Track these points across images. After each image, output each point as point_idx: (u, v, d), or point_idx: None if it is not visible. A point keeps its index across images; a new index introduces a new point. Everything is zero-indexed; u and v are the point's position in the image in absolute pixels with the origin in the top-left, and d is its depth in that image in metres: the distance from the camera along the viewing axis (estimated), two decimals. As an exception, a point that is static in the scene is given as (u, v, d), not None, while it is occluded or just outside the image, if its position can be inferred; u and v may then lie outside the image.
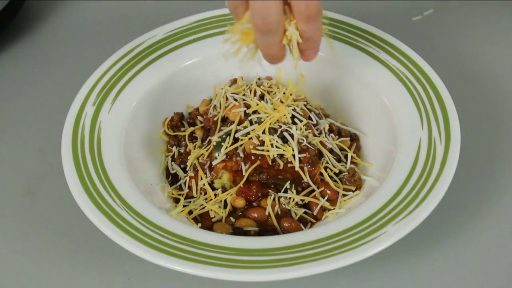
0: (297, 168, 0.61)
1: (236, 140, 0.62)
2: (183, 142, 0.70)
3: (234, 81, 0.70)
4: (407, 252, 0.61)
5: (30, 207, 0.68)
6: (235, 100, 0.65)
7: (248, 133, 0.62)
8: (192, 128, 0.70)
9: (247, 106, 0.64)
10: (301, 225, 0.61)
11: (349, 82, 0.72)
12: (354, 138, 0.70)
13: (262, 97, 0.65)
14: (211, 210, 0.63)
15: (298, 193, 0.63)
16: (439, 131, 0.62)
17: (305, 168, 0.62)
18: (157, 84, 0.71)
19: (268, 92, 0.66)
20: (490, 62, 0.81)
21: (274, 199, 0.62)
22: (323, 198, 0.63)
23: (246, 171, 0.62)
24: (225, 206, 0.63)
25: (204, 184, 0.63)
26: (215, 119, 0.65)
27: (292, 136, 0.62)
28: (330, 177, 0.64)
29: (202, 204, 0.63)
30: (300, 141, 0.62)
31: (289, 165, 0.61)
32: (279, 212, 0.62)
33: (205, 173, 0.64)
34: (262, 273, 0.52)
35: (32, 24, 0.92)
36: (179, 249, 0.54)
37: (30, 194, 0.69)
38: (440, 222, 0.63)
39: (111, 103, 0.67)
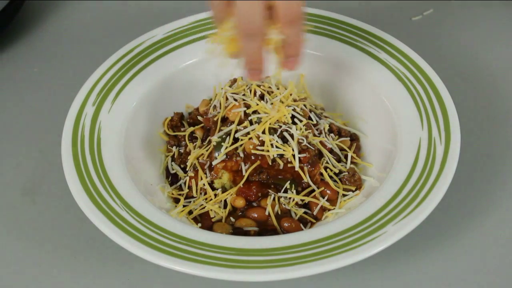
0: (297, 168, 0.61)
1: (236, 140, 0.62)
2: (183, 142, 0.70)
3: (234, 81, 0.70)
4: (407, 252, 0.61)
5: (30, 207, 0.68)
6: (235, 100, 0.65)
7: (248, 133, 0.62)
8: (192, 128, 0.70)
9: (247, 106, 0.64)
10: (301, 225, 0.61)
11: (349, 82, 0.72)
12: (354, 138, 0.70)
13: (262, 97, 0.65)
14: (211, 210, 0.63)
15: (298, 193, 0.63)
16: (439, 131, 0.62)
17: (305, 168, 0.62)
18: (157, 84, 0.71)
19: (268, 92, 0.66)
20: (490, 62, 0.81)
21: (274, 199, 0.62)
22: (323, 198, 0.63)
23: (246, 171, 0.62)
24: (225, 206, 0.63)
25: (204, 184, 0.63)
26: (215, 119, 0.65)
27: (292, 136, 0.62)
28: (330, 177, 0.64)
29: (202, 204, 0.63)
30: (300, 141, 0.62)
31: (289, 165, 0.62)
32: (279, 212, 0.62)
33: (205, 173, 0.64)
34: (262, 273, 0.52)
35: (32, 24, 0.92)
36: (179, 249, 0.54)
37: (30, 194, 0.69)
38: (440, 222, 0.63)
39: (111, 103, 0.67)
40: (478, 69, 0.80)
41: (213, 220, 0.62)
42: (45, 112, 0.78)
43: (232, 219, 0.62)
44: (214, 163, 0.62)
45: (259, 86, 0.66)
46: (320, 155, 0.65)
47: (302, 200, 0.63)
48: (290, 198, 0.63)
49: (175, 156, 0.69)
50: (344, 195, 0.64)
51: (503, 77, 0.79)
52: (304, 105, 0.67)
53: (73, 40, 0.89)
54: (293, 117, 0.64)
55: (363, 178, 0.65)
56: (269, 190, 0.63)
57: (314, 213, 0.62)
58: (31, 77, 0.84)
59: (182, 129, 0.71)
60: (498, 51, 0.83)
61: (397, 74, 0.68)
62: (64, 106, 0.67)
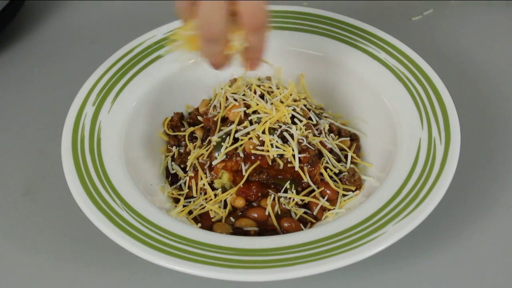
0: (297, 168, 0.61)
1: (236, 140, 0.62)
2: (183, 142, 0.70)
3: (234, 81, 0.70)
4: (407, 252, 0.61)
5: (30, 207, 0.68)
6: (235, 100, 0.65)
7: (248, 133, 0.62)
8: (192, 128, 0.70)
9: (247, 106, 0.64)
10: (301, 225, 0.61)
11: (349, 82, 0.72)
12: (354, 138, 0.70)
13: (262, 97, 0.65)
14: (211, 210, 0.62)
15: (298, 193, 0.63)
16: (439, 131, 0.62)
17: (305, 168, 0.62)
18: (157, 84, 0.71)
19: (268, 92, 0.66)
20: (490, 62, 0.81)
21: (274, 199, 0.62)
22: (323, 198, 0.63)
23: (246, 171, 0.62)
24: (225, 206, 0.63)
25: (204, 184, 0.63)
26: (215, 119, 0.65)
27: (292, 136, 0.62)
28: (330, 177, 0.64)
29: (202, 204, 0.63)
30: (300, 141, 0.62)
31: (289, 165, 0.62)
32: (279, 212, 0.62)
33: (205, 173, 0.64)
34: (262, 273, 0.52)
35: (32, 24, 0.92)
36: (179, 249, 0.54)
37: (30, 194, 0.69)
38: (440, 222, 0.63)
39: (111, 103, 0.67)
40: (478, 69, 0.80)
41: (213, 220, 0.62)
42: (45, 112, 0.78)
43: (232, 219, 0.62)
44: (214, 163, 0.62)
45: (259, 86, 0.66)
46: (320, 155, 0.65)
47: (302, 200, 0.63)
48: (290, 198, 0.63)
49: (175, 156, 0.69)
50: (344, 195, 0.64)
51: (503, 77, 0.79)
52: (304, 105, 0.67)
53: (73, 40, 0.89)
54: (293, 117, 0.64)
55: (363, 178, 0.65)
56: (269, 190, 0.63)
57: (314, 213, 0.62)
58: (31, 77, 0.84)
59: (182, 129, 0.71)
60: (498, 51, 0.83)
61: (397, 74, 0.68)
62: (64, 106, 0.67)
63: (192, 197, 0.64)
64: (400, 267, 0.60)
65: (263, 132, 0.61)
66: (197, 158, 0.65)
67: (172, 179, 0.67)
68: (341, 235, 0.55)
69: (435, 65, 0.69)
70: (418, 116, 0.64)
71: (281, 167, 0.62)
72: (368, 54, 0.71)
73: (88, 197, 0.58)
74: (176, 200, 0.64)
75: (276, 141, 0.61)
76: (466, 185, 0.66)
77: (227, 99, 0.65)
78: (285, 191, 0.62)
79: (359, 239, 0.54)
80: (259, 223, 0.62)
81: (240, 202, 0.62)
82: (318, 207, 0.62)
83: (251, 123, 0.63)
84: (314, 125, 0.66)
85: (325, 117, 0.71)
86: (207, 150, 0.64)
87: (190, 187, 0.65)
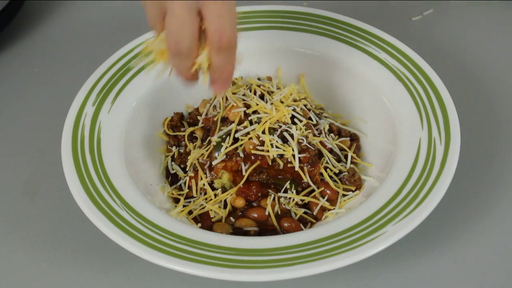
0: (297, 168, 0.61)
1: (236, 140, 0.62)
2: (183, 142, 0.70)
3: (234, 81, 0.70)
4: (407, 252, 0.61)
5: (30, 207, 0.68)
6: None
7: (248, 133, 0.62)
8: (192, 128, 0.70)
9: (247, 106, 0.64)
10: (301, 225, 0.61)
11: (349, 82, 0.72)
12: (354, 138, 0.70)
13: (262, 97, 0.65)
14: (211, 210, 0.62)
15: (298, 193, 0.63)
16: (439, 131, 0.62)
17: (305, 168, 0.62)
18: (157, 84, 0.71)
19: (268, 92, 0.66)
20: (490, 62, 0.81)
21: (274, 199, 0.62)
22: (323, 198, 0.63)
23: (246, 171, 0.62)
24: (225, 206, 0.63)
25: (204, 184, 0.63)
26: (215, 119, 0.65)
27: (292, 136, 0.62)
28: (330, 177, 0.64)
29: (202, 204, 0.63)
30: (300, 141, 0.62)
31: (289, 165, 0.62)
32: (279, 212, 0.62)
33: (205, 173, 0.64)
34: (262, 273, 0.52)
35: (32, 24, 0.92)
36: (179, 249, 0.54)
37: (30, 194, 0.69)
38: (440, 222, 0.63)
39: (111, 103, 0.67)
40: (478, 69, 0.80)
41: (213, 220, 0.62)
42: (45, 112, 0.78)
43: (232, 219, 0.62)
44: (214, 163, 0.62)
45: (259, 86, 0.66)
46: (320, 155, 0.65)
47: (302, 200, 0.63)
48: (290, 198, 0.63)
49: (175, 156, 0.69)
50: (344, 195, 0.64)
51: (503, 77, 0.79)
52: (304, 105, 0.67)
53: (73, 40, 0.89)
54: (293, 117, 0.64)
55: (363, 178, 0.65)
56: (269, 190, 0.63)
57: (314, 213, 0.62)
58: (31, 77, 0.84)
59: (182, 129, 0.71)
60: (498, 51, 0.83)
61: (397, 74, 0.68)
62: (64, 106, 0.67)
63: (192, 197, 0.64)
64: (400, 267, 0.60)
65: (263, 132, 0.61)
66: (197, 158, 0.65)
67: (172, 179, 0.67)
68: (341, 235, 0.55)
69: (435, 65, 0.69)
70: (418, 116, 0.64)
71: (281, 167, 0.62)
72: (368, 54, 0.71)
73: (88, 197, 0.58)
74: (176, 200, 0.64)
75: (276, 141, 0.61)
76: (466, 185, 0.66)
77: (227, 99, 0.65)
78: (285, 191, 0.62)
79: (359, 239, 0.54)
80: (259, 223, 0.62)
81: (240, 202, 0.62)
82: (318, 207, 0.62)
83: (251, 123, 0.63)
84: (314, 125, 0.66)
85: (325, 117, 0.71)
86: (207, 150, 0.64)
87: (190, 187, 0.65)
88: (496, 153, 0.70)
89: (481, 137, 0.72)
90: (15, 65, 0.85)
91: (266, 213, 0.62)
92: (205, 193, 0.64)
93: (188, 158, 0.66)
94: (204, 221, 0.62)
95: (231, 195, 0.63)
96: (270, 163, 0.61)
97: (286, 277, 0.51)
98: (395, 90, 0.67)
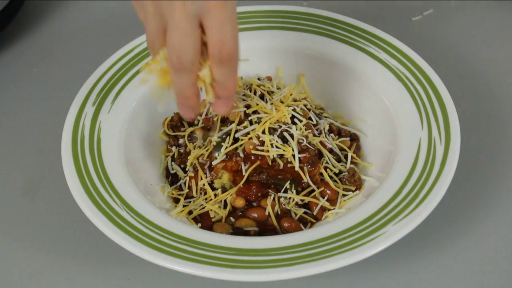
0: (297, 168, 0.61)
1: (236, 140, 0.62)
2: (183, 142, 0.70)
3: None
4: (407, 252, 0.61)
5: (30, 207, 0.68)
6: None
7: (248, 133, 0.62)
8: (192, 128, 0.70)
9: (247, 106, 0.64)
10: (301, 225, 0.61)
11: (349, 82, 0.72)
12: (354, 138, 0.70)
13: (262, 97, 0.65)
14: (211, 210, 0.62)
15: (298, 193, 0.63)
16: (439, 131, 0.62)
17: (305, 168, 0.62)
18: (157, 84, 0.71)
19: (268, 92, 0.66)
20: (490, 62, 0.81)
21: (274, 199, 0.62)
22: (323, 198, 0.63)
23: (246, 171, 0.62)
24: (225, 206, 0.63)
25: (204, 184, 0.63)
26: (215, 119, 0.65)
27: (292, 136, 0.62)
28: (330, 177, 0.64)
29: (202, 204, 0.63)
30: (300, 141, 0.62)
31: (289, 165, 0.62)
32: (279, 212, 0.62)
33: (205, 173, 0.64)
34: (262, 273, 0.52)
35: (32, 24, 0.92)
36: (179, 249, 0.54)
37: (30, 194, 0.69)
38: (440, 222, 0.63)
39: (111, 103, 0.67)
40: (478, 69, 0.80)
41: (213, 220, 0.62)
42: (45, 112, 0.78)
43: (232, 219, 0.62)
44: (214, 163, 0.62)
45: (259, 86, 0.66)
46: (320, 155, 0.65)
47: (302, 200, 0.63)
48: (290, 198, 0.63)
49: (175, 156, 0.69)
50: (344, 195, 0.64)
51: (503, 77, 0.79)
52: (304, 105, 0.67)
53: (73, 40, 0.89)
54: (293, 117, 0.64)
55: (363, 178, 0.65)
56: (269, 190, 0.63)
57: (314, 213, 0.62)
58: (31, 77, 0.84)
59: (182, 129, 0.71)
60: (498, 51, 0.83)
61: (397, 74, 0.68)
62: (64, 106, 0.67)
63: (192, 197, 0.64)
64: (400, 267, 0.60)
65: (263, 132, 0.61)
66: (197, 158, 0.65)
67: (172, 179, 0.67)
68: (341, 235, 0.55)
69: (435, 65, 0.69)
70: (418, 116, 0.64)
71: (281, 167, 0.62)
72: (368, 54, 0.71)
73: (88, 197, 0.58)
74: (176, 200, 0.64)
75: (276, 141, 0.61)
76: (466, 185, 0.66)
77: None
78: (285, 191, 0.62)
79: (359, 239, 0.54)
80: (259, 223, 0.62)
81: (240, 202, 0.62)
82: (318, 207, 0.62)
83: (251, 123, 0.63)
84: (314, 125, 0.66)
85: (325, 117, 0.71)
86: (207, 150, 0.64)
87: (190, 187, 0.65)
88: (496, 153, 0.70)
89: (481, 137, 0.72)
90: (15, 65, 0.85)
91: (266, 213, 0.62)
92: (205, 193, 0.64)
93: (188, 158, 0.66)
94: (204, 221, 0.62)
95: (231, 195, 0.63)
96: (270, 163, 0.62)
97: (286, 277, 0.51)
98: (395, 90, 0.67)
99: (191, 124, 0.72)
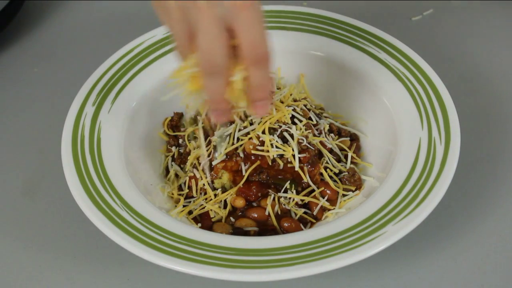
0: (297, 168, 0.61)
1: (236, 140, 0.62)
2: (183, 142, 0.70)
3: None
4: (407, 252, 0.61)
5: (30, 207, 0.68)
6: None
7: (248, 133, 0.62)
8: (192, 128, 0.70)
9: (247, 106, 0.64)
10: (301, 225, 0.61)
11: (349, 82, 0.72)
12: (354, 138, 0.70)
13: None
14: (211, 210, 0.63)
15: (298, 193, 0.63)
16: (439, 131, 0.62)
17: (305, 168, 0.62)
18: (157, 84, 0.71)
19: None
20: (490, 62, 0.81)
21: (274, 199, 0.62)
22: (323, 198, 0.63)
23: (246, 171, 0.62)
24: (225, 206, 0.63)
25: (204, 184, 0.63)
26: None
27: (292, 136, 0.62)
28: (330, 177, 0.64)
29: (202, 204, 0.63)
30: (300, 141, 0.62)
31: (289, 165, 0.61)
32: (279, 212, 0.62)
33: (205, 173, 0.63)
34: (262, 273, 0.52)
35: (32, 24, 0.92)
36: (179, 249, 0.54)
37: (30, 194, 0.69)
38: (440, 222, 0.63)
39: (111, 103, 0.67)
40: (478, 69, 0.80)
41: (213, 220, 0.62)
42: (45, 112, 0.78)
43: (232, 219, 0.62)
44: (214, 163, 0.62)
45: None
46: (320, 155, 0.65)
47: (302, 200, 0.63)
48: (290, 198, 0.63)
49: (175, 156, 0.69)
50: (344, 195, 0.64)
51: (503, 77, 0.79)
52: (304, 105, 0.67)
53: (73, 40, 0.89)
54: (293, 117, 0.64)
55: (363, 178, 0.65)
56: (269, 190, 0.63)
57: (314, 213, 0.62)
58: (31, 77, 0.84)
59: (182, 129, 0.71)
60: (498, 51, 0.83)
61: (397, 74, 0.68)
62: (64, 106, 0.67)
63: (192, 197, 0.64)
64: (400, 267, 0.60)
65: (263, 132, 0.61)
66: (197, 158, 0.65)
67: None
68: (341, 235, 0.55)
69: (435, 65, 0.69)
70: (418, 116, 0.64)
71: (281, 167, 0.62)
72: (368, 54, 0.71)
73: (88, 197, 0.58)
74: (176, 200, 0.64)
75: (276, 141, 0.61)
76: (466, 185, 0.66)
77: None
78: (285, 191, 0.62)
79: (359, 239, 0.54)
80: (259, 223, 0.62)
81: (240, 202, 0.62)
82: (318, 207, 0.62)
83: (251, 123, 0.63)
84: (314, 125, 0.66)
85: (325, 117, 0.71)
86: (207, 150, 0.64)
87: (190, 187, 0.65)
88: (496, 153, 0.70)
89: (481, 137, 0.72)
90: (15, 65, 0.85)
91: (266, 213, 0.62)
92: (205, 193, 0.64)
93: (188, 158, 0.66)
94: (204, 221, 0.62)
95: (231, 195, 0.63)
96: (270, 163, 0.61)
97: (286, 277, 0.51)
98: (395, 90, 0.67)
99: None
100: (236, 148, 0.62)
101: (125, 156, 0.63)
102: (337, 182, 0.64)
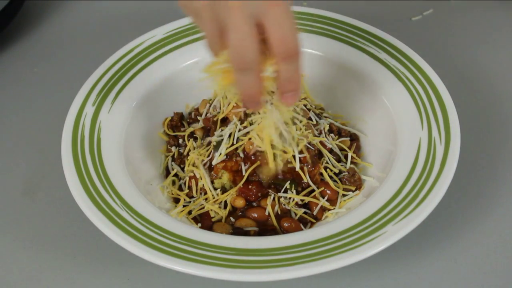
0: (297, 169, 0.61)
1: (236, 140, 0.62)
2: (183, 142, 0.70)
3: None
4: (407, 252, 0.61)
5: (30, 207, 0.68)
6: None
7: (248, 133, 0.62)
8: (192, 128, 0.70)
9: (247, 106, 0.64)
10: (301, 225, 0.61)
11: (349, 82, 0.72)
12: (354, 138, 0.70)
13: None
14: (211, 210, 0.62)
15: (298, 193, 0.63)
16: (439, 131, 0.62)
17: (305, 168, 0.62)
18: (157, 84, 0.71)
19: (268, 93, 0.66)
20: (490, 62, 0.81)
21: (274, 199, 0.62)
22: (323, 198, 0.63)
23: (246, 171, 0.62)
24: (225, 206, 0.63)
25: (204, 184, 0.63)
26: (215, 119, 0.65)
27: (292, 136, 0.62)
28: (330, 177, 0.64)
29: (202, 204, 0.63)
30: (300, 141, 0.62)
31: (289, 165, 0.61)
32: (279, 212, 0.62)
33: (205, 173, 0.63)
34: (262, 273, 0.52)
35: (32, 24, 0.92)
36: (179, 249, 0.54)
37: (30, 194, 0.69)
38: (440, 222, 0.63)
39: (111, 103, 0.67)
40: (478, 69, 0.80)
41: (213, 220, 0.62)
42: (45, 112, 0.78)
43: (232, 219, 0.62)
44: (214, 163, 0.62)
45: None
46: (320, 155, 0.65)
47: (302, 200, 0.63)
48: (290, 198, 0.63)
49: (175, 156, 0.69)
50: (344, 195, 0.64)
51: (502, 77, 0.79)
52: (304, 105, 0.67)
53: (73, 40, 0.89)
54: (293, 117, 0.64)
55: (363, 178, 0.65)
56: (269, 190, 0.63)
57: (314, 213, 0.62)
58: (31, 77, 0.84)
59: (182, 129, 0.71)
60: (497, 51, 0.83)
61: (397, 74, 0.68)
62: (64, 106, 0.67)
63: (192, 197, 0.64)
64: (400, 267, 0.60)
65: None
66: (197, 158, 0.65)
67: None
68: (341, 235, 0.55)
69: (435, 65, 0.69)
70: (418, 116, 0.64)
71: (281, 167, 0.62)
72: (368, 54, 0.71)
73: (88, 197, 0.58)
74: (176, 200, 0.64)
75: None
76: (466, 185, 0.66)
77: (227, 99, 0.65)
78: (285, 191, 0.62)
79: (359, 239, 0.54)
80: (259, 223, 0.62)
81: (240, 202, 0.62)
82: (318, 207, 0.62)
83: (251, 123, 0.63)
84: (314, 125, 0.66)
85: (325, 117, 0.71)
86: (207, 150, 0.64)
87: (190, 187, 0.65)
88: (496, 153, 0.70)
89: (481, 137, 0.72)
90: (15, 65, 0.85)
91: (266, 213, 0.62)
92: (205, 193, 0.64)
93: (188, 158, 0.66)
94: (204, 221, 0.62)
95: (231, 195, 0.63)
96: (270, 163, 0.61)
97: (286, 277, 0.51)
98: (395, 90, 0.67)
99: (191, 124, 0.72)
100: (236, 148, 0.62)
101: (125, 156, 0.63)
102: (337, 182, 0.64)
